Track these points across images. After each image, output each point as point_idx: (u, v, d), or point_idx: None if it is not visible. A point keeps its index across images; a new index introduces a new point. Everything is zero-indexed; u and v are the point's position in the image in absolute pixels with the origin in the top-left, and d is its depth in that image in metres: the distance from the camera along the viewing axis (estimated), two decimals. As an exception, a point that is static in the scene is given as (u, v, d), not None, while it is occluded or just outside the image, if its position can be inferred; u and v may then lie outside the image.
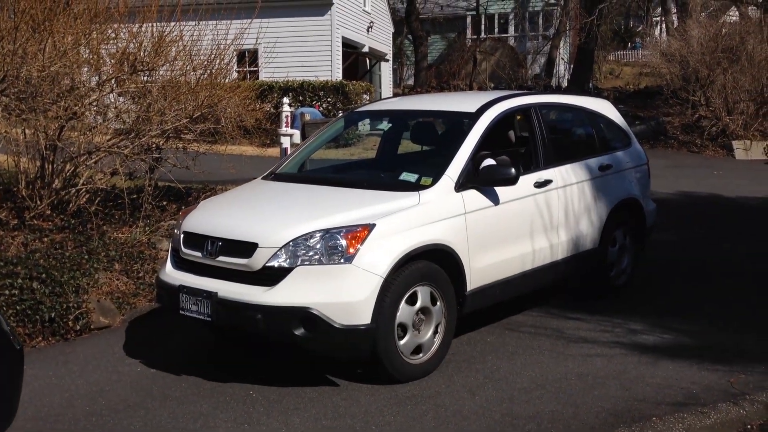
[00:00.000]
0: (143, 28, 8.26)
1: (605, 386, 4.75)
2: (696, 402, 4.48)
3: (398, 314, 4.69)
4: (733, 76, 18.28)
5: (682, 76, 19.79)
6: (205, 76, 8.72)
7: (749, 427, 4.29)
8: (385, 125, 7.19)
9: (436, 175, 5.10)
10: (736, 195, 12.31)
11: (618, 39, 42.33)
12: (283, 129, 13.35)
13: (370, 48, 26.12)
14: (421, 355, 4.88)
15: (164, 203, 8.67)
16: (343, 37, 22.87)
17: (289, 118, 14.01)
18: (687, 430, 4.14)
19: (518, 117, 6.09)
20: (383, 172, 5.96)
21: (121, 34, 8.27)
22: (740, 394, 4.59)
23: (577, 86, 25.30)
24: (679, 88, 19.79)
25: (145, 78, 8.24)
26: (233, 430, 4.24)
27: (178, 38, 8.48)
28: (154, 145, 8.44)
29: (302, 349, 4.83)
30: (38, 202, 7.47)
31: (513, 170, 5.13)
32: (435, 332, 4.93)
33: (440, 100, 6.88)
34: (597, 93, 25.30)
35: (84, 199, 7.72)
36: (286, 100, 14.83)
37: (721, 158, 17.78)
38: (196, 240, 4.96)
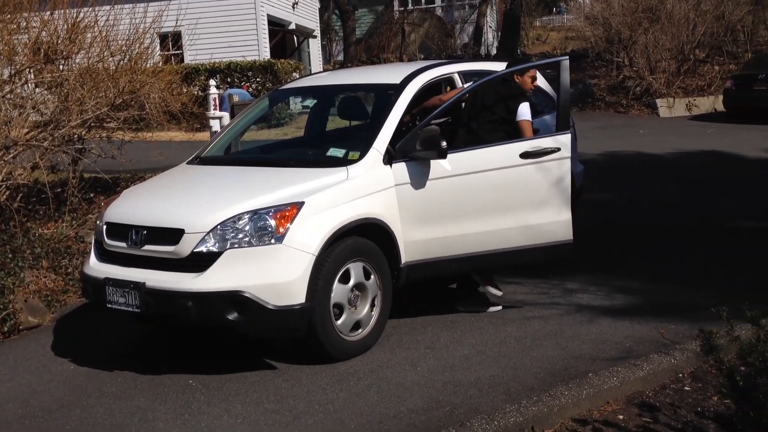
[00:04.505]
0: (55, 15, 7.97)
1: (543, 347, 4.83)
2: (629, 355, 4.59)
3: (332, 295, 4.66)
4: (654, 36, 18.70)
5: (606, 38, 20.18)
6: (125, 61, 8.49)
7: (680, 375, 4.43)
8: (310, 102, 7.09)
9: (364, 149, 5.05)
10: (661, 152, 12.65)
11: (543, 4, 42.78)
12: (212, 112, 13.12)
13: (297, 25, 25.79)
14: (360, 330, 4.87)
15: (91, 195, 8.45)
16: (268, 15, 22.50)
17: (217, 101, 13.78)
18: (621, 382, 4.24)
19: (448, 88, 6.05)
20: (311, 150, 5.89)
21: (32, 22, 7.96)
22: (671, 344, 4.73)
23: (505, 53, 25.52)
24: (604, 50, 20.18)
25: (61, 67, 7.97)
26: (173, 421, 4.16)
27: (92, 24, 8.23)
28: (75, 136, 8.20)
29: (238, 334, 4.76)
30: (-45, 203, 7.17)
31: (443, 142, 5.08)
32: (372, 306, 4.92)
33: (366, 74, 6.82)
34: (525, 59, 25.58)
35: (4, 196, 7.43)
36: (212, 82, 14.58)
37: (647, 117, 18.23)
38: (119, 230, 4.83)
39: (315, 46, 28.51)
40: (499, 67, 6.11)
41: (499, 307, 5.61)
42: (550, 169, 5.29)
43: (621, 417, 3.97)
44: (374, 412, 4.08)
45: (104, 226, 4.96)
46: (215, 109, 13.44)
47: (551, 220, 5.32)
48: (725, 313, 3.40)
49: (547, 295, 5.82)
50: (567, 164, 5.29)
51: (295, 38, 26.64)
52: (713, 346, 3.34)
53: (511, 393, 4.18)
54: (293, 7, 25.50)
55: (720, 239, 7.29)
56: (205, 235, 4.49)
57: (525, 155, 5.25)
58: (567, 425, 3.92)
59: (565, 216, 5.33)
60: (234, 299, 4.40)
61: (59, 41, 7.83)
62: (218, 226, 4.49)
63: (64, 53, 7.84)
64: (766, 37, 22.58)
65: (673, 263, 6.61)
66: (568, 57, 5.53)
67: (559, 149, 5.26)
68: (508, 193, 5.28)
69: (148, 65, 8.97)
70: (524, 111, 5.52)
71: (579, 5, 27.66)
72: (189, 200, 4.94)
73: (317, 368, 4.69)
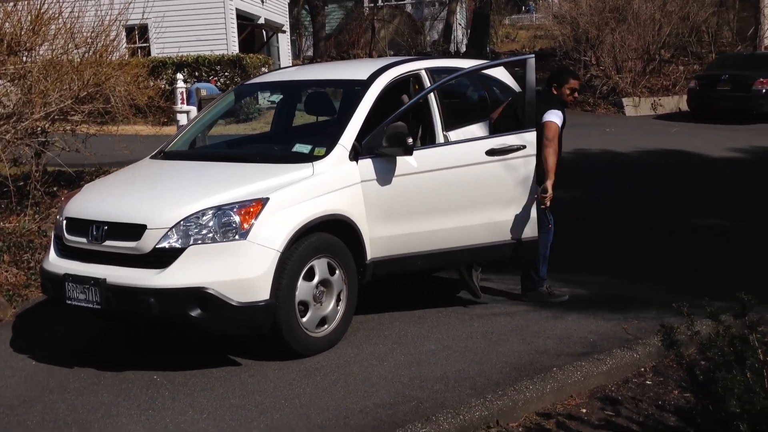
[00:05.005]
0: (18, 6, 7.85)
1: (508, 342, 4.87)
2: (593, 350, 4.65)
3: (297, 292, 4.63)
4: (621, 36, 18.91)
5: (574, 37, 20.37)
6: (90, 53, 8.37)
7: (642, 369, 4.50)
8: (276, 97, 7.04)
9: (330, 145, 5.02)
10: (627, 150, 12.80)
11: (512, 3, 43.00)
12: (179, 106, 12.99)
13: (266, 19, 25.62)
14: (326, 326, 4.85)
15: (55, 189, 8.32)
16: (237, 9, 22.33)
17: (185, 95, 13.65)
18: (585, 377, 4.29)
19: (416, 87, 6.02)
20: (276, 145, 5.85)
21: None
22: (633, 339, 4.80)
23: (474, 51, 25.64)
24: (571, 49, 20.37)
25: (25, 58, 7.84)
26: (137, 416, 4.12)
27: (57, 15, 8.10)
28: (39, 129, 8.06)
29: (201, 330, 4.71)
30: None
31: (409, 138, 5.06)
32: (338, 301, 4.90)
33: (333, 69, 6.80)
34: (494, 57, 25.70)
35: (-35, 190, 7.32)
36: (180, 75, 14.42)
37: (613, 116, 18.43)
38: (80, 225, 4.75)
39: (284, 41, 28.35)
40: (467, 64, 6.13)
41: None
42: (515, 167, 5.32)
43: (584, 410, 4.02)
44: (341, 407, 4.08)
45: (64, 221, 4.88)
46: (182, 103, 13.32)
47: (517, 217, 5.35)
48: (685, 308, 3.45)
49: (513, 291, 5.86)
50: (532, 162, 5.33)
51: (264, 33, 26.47)
52: (674, 341, 3.38)
53: (477, 387, 4.21)
54: (262, 2, 25.34)
55: (686, 237, 7.41)
56: (168, 231, 4.44)
57: (491, 152, 5.27)
58: (531, 419, 3.96)
59: (530, 213, 5.36)
60: (197, 296, 4.36)
61: (23, 33, 7.71)
62: (181, 222, 4.45)
63: (28, 45, 7.72)
64: (729, 39, 22.95)
65: (636, 260, 6.70)
66: (534, 55, 5.57)
67: (524, 146, 5.30)
68: (474, 190, 5.30)
69: (113, 58, 8.84)
70: (552, 114, 5.55)
71: (548, 4, 27.87)
72: (152, 195, 4.88)
73: (284, 364, 4.67)
